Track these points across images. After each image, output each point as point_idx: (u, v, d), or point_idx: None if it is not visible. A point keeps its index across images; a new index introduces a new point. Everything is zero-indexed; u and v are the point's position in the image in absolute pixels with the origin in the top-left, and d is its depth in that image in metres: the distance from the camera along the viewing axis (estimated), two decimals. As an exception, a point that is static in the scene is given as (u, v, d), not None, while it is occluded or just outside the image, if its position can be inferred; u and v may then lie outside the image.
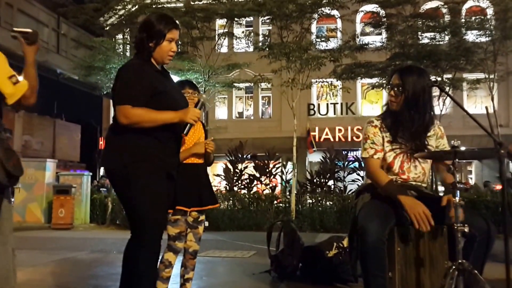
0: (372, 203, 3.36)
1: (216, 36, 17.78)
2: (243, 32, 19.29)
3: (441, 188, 12.60)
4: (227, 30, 17.93)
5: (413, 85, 3.30)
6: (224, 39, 18.37)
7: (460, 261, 2.81)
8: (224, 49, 20.03)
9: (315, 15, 16.01)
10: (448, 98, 15.02)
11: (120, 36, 19.54)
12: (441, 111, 15.67)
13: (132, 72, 3.13)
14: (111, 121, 3.25)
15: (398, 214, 3.18)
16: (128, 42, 18.42)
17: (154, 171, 3.09)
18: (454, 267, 2.81)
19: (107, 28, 19.27)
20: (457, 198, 2.90)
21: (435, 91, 3.30)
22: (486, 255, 3.15)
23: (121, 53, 17.74)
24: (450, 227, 3.04)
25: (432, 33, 15.87)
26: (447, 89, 15.06)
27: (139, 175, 3.05)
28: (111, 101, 3.41)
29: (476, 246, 3.09)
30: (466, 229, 2.85)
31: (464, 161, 25.16)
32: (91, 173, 15.81)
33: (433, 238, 3.20)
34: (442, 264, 3.15)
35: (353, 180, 14.72)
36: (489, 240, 3.12)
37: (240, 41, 18.51)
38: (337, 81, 17.73)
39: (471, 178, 25.50)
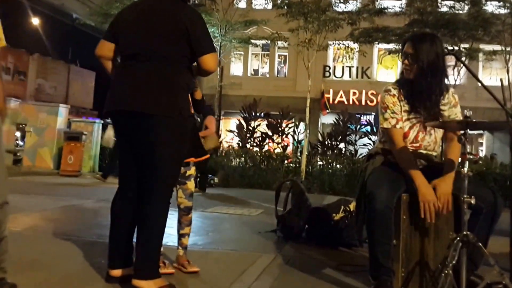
0: (383, 169, 3.33)
1: (235, -9, 17.56)
2: (262, -13, 19.03)
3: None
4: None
5: (426, 53, 3.21)
6: (243, -6, 18.15)
7: (465, 232, 2.79)
8: (242, 5, 19.78)
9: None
10: (463, 68, 14.86)
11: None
12: (455, 81, 15.49)
13: None
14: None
15: (408, 182, 3.15)
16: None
17: (190, 127, 3.13)
18: (458, 238, 2.77)
19: (126, -26, 18.94)
20: (465, 169, 2.87)
21: (451, 60, 3.21)
22: (491, 228, 3.13)
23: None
24: (457, 198, 3.03)
25: (452, 2, 15.63)
26: (463, 59, 14.87)
27: (186, 131, 3.04)
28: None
29: (481, 218, 3.07)
30: (473, 201, 2.81)
31: (476, 132, 25.04)
32: (102, 121, 15.75)
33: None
34: (446, 235, 3.13)
35: (364, 144, 14.73)
36: (495, 213, 3.09)
37: (259, -3, 18.28)
38: (354, 44, 17.56)
39: (481, 150, 25.38)
